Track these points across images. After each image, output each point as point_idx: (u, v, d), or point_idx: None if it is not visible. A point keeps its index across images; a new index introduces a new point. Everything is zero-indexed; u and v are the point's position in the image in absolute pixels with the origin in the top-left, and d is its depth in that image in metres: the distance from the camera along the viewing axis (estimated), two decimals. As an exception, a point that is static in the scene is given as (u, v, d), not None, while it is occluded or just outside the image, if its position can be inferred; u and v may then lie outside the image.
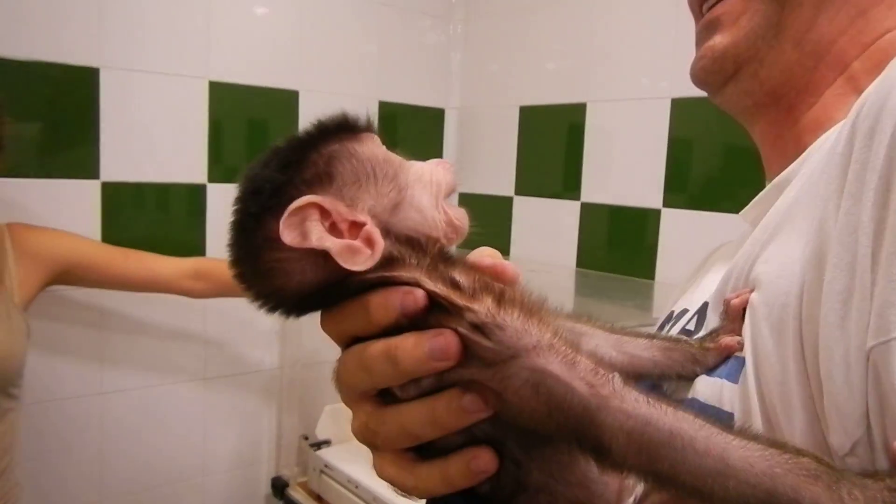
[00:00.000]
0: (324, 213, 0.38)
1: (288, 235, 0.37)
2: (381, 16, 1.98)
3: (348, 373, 0.40)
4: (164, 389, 1.71)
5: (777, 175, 0.48)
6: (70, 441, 1.59)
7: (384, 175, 0.41)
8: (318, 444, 1.78)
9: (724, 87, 0.53)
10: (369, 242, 0.38)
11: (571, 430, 0.34)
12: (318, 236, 0.37)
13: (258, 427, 1.89)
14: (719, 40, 0.51)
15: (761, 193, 0.50)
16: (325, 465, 1.71)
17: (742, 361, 0.40)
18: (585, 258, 1.81)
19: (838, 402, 0.34)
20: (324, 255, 0.37)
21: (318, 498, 1.74)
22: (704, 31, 0.53)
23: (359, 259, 0.37)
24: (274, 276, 0.39)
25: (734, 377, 0.41)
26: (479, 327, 0.36)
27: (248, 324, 1.82)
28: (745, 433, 0.34)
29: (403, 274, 0.38)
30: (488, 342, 0.35)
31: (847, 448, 0.33)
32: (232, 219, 0.40)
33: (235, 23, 1.73)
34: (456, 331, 0.36)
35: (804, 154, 0.46)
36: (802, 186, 0.43)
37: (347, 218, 0.38)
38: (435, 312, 0.37)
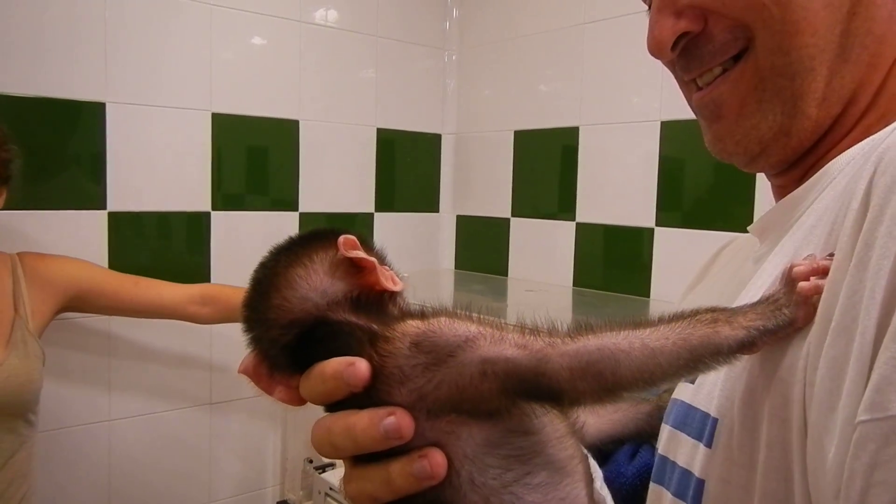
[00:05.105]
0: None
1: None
2: (378, 46, 2.04)
3: (319, 443, 0.44)
4: (170, 415, 1.73)
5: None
6: (79, 467, 1.60)
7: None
8: (323, 468, 1.79)
9: (751, 164, 0.50)
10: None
11: (527, 391, 0.39)
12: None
13: (263, 451, 1.91)
14: (736, 127, 0.48)
15: (769, 212, 0.50)
16: (331, 488, 1.72)
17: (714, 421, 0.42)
18: (582, 277, 1.85)
19: (819, 467, 0.34)
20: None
21: (324, 520, 1.75)
22: (707, 110, 0.50)
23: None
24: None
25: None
26: (417, 343, 0.40)
27: (252, 349, 1.84)
28: (651, 322, 0.39)
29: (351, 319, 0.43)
30: (428, 349, 0.40)
31: None
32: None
33: (237, 56, 1.78)
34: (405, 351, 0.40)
35: (814, 177, 0.45)
36: (818, 222, 0.42)
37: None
38: (380, 343, 0.41)
